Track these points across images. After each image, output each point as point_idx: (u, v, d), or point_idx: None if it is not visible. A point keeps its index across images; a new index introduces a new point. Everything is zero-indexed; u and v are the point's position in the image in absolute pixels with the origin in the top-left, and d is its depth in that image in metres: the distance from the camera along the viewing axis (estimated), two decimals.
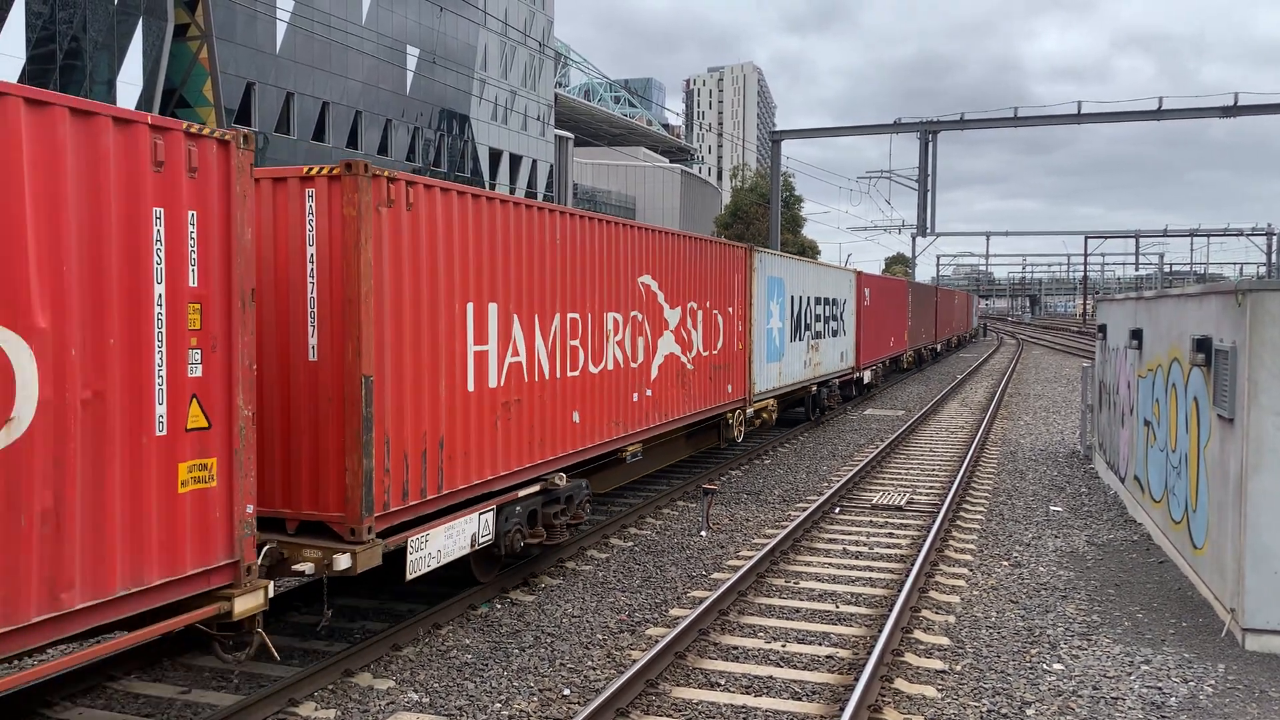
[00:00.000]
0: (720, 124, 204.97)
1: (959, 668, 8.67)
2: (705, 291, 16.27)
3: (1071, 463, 19.73)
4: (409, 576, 8.60)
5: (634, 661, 8.61)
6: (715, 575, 11.53)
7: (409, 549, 8.55)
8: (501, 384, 9.98)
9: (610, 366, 12.60)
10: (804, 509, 15.07)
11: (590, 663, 8.76)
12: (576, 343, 11.65)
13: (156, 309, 6.21)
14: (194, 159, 6.41)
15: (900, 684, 8.20)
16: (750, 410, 18.91)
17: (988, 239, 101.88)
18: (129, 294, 6.03)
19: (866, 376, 31.06)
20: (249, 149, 6.82)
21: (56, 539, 5.60)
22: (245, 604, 6.85)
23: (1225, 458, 9.53)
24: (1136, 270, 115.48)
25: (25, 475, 5.44)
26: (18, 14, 30.64)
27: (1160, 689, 8.18)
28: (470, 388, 9.46)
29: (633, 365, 13.33)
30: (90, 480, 5.81)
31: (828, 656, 8.87)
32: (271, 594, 7.27)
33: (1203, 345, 10.06)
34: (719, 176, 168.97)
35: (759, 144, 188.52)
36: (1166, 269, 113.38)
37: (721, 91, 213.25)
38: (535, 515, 10.73)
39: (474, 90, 57.54)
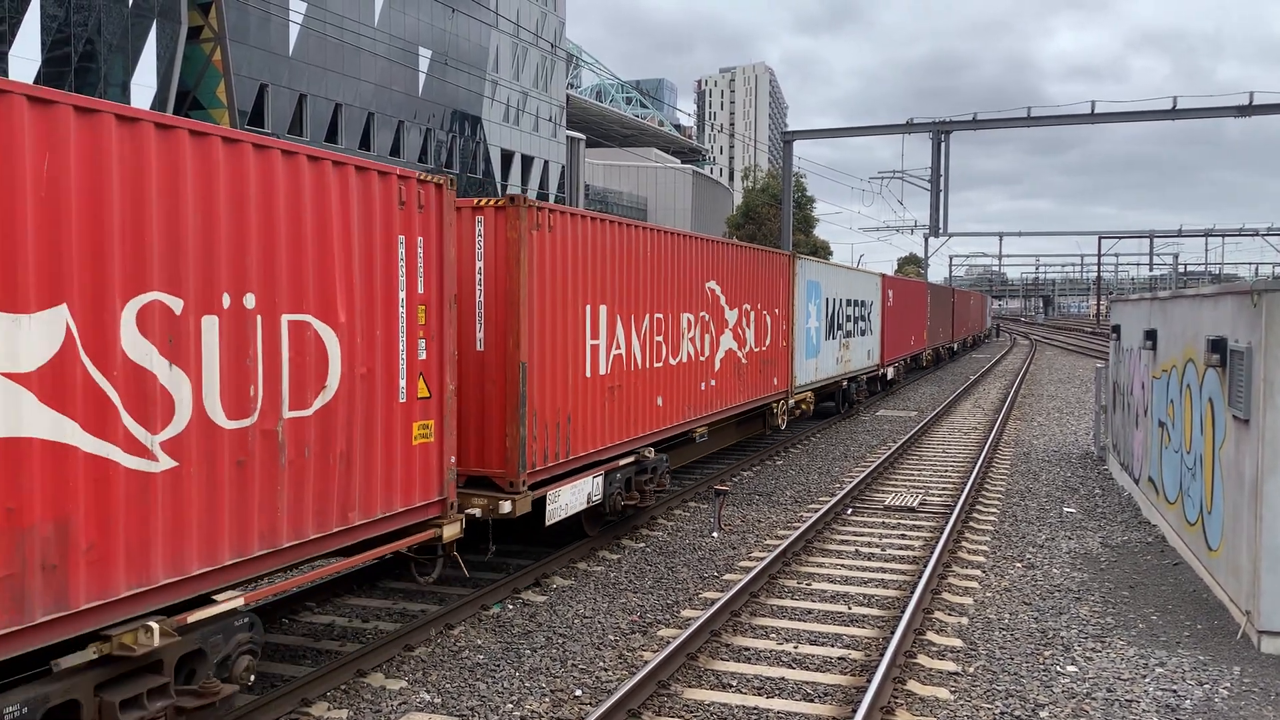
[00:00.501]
0: (732, 124, 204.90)
1: (972, 669, 8.64)
2: (757, 294, 18.20)
3: (1085, 464, 19.64)
4: (548, 523, 10.73)
5: (646, 662, 8.60)
6: (727, 576, 11.51)
7: (547, 501, 10.68)
8: (608, 372, 12.17)
9: (685, 359, 14.71)
10: (816, 510, 15.04)
11: (602, 663, 8.76)
12: (661, 338, 13.79)
13: (400, 309, 8.30)
14: (421, 198, 8.49)
15: (913, 685, 8.18)
16: (791, 401, 20.79)
17: (1000, 239, 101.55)
18: (385, 298, 8.10)
19: (890, 373, 32.87)
20: (453, 189, 8.94)
21: (346, 473, 7.69)
22: (450, 531, 8.96)
23: (1241, 459, 9.47)
24: (1151, 270, 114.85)
25: (332, 426, 7.54)
26: (33, 16, 30.83)
27: (1175, 691, 8.13)
28: (587, 374, 11.65)
29: (700, 358, 15.40)
30: (364, 433, 7.89)
31: (840, 658, 8.84)
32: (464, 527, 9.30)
33: (1218, 346, 10.00)
34: (730, 177, 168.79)
35: (771, 144, 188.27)
36: (1181, 269, 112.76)
37: (733, 92, 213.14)
38: (630, 482, 12.85)
39: (486, 91, 57.66)
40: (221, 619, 6.69)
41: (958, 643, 9.28)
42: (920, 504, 15.42)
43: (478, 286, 10.23)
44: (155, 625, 6.01)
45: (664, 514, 14.69)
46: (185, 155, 6.28)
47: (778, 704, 7.81)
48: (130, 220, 5.95)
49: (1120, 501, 15.86)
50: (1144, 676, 8.46)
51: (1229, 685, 8.25)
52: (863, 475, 17.06)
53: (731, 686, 8.19)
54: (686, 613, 10.16)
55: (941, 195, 38.39)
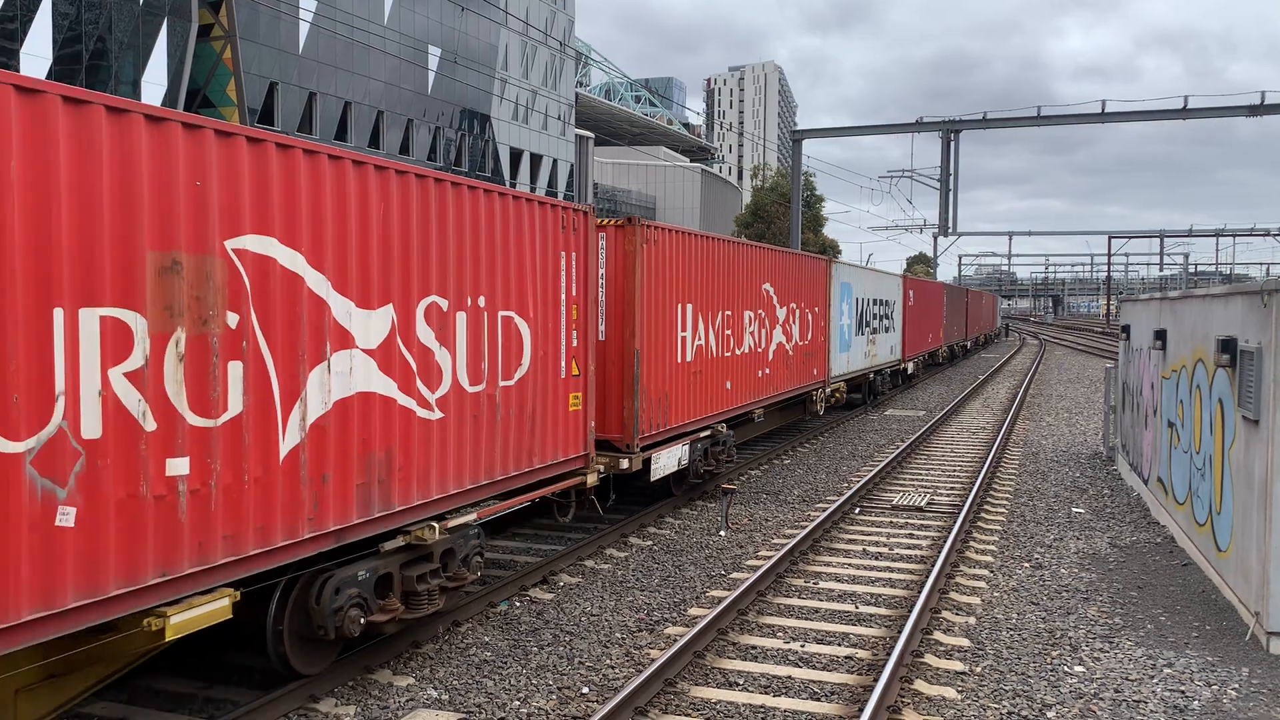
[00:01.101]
0: (741, 123, 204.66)
1: (979, 669, 8.63)
2: (801, 294, 20.59)
3: (1094, 464, 19.59)
4: (652, 479, 13.26)
5: (653, 660, 8.61)
6: (734, 575, 11.52)
7: (652, 461, 13.19)
8: (692, 359, 14.59)
9: (746, 350, 17.14)
10: (824, 509, 15.03)
11: (609, 661, 8.77)
12: (729, 332, 16.19)
13: (562, 307, 10.73)
14: (575, 223, 11.01)
15: (920, 685, 8.17)
16: (827, 390, 22.96)
17: (1010, 239, 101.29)
18: (553, 298, 10.55)
19: (910, 368, 35.12)
20: (593, 214, 11.47)
21: (531, 430, 10.18)
22: (591, 479, 11.54)
23: (1250, 460, 9.44)
24: (1161, 270, 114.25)
25: (524, 395, 10.02)
26: (44, 15, 30.95)
27: (1183, 692, 8.11)
28: (678, 360, 14.04)
29: (758, 350, 17.79)
30: (541, 400, 10.35)
31: (847, 657, 8.84)
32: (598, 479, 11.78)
33: (1228, 346, 9.97)
34: (739, 176, 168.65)
35: (780, 143, 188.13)
36: (1191, 269, 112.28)
37: (742, 91, 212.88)
38: (707, 452, 15.24)
39: (495, 90, 57.67)
40: (464, 528, 9.11)
41: (965, 642, 9.27)
42: (928, 504, 15.40)
43: (600, 288, 12.43)
44: (435, 525, 8.46)
45: (671, 512, 14.71)
46: (448, 198, 8.69)
47: (785, 702, 7.81)
48: (420, 245, 8.34)
49: (1129, 502, 15.82)
50: (1152, 677, 8.45)
51: (1237, 686, 8.23)
52: (870, 474, 17.04)
53: (739, 685, 8.19)
54: (694, 611, 10.17)
55: (951, 194, 38.31)
